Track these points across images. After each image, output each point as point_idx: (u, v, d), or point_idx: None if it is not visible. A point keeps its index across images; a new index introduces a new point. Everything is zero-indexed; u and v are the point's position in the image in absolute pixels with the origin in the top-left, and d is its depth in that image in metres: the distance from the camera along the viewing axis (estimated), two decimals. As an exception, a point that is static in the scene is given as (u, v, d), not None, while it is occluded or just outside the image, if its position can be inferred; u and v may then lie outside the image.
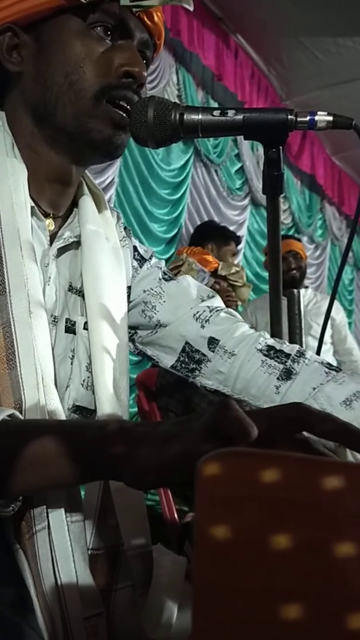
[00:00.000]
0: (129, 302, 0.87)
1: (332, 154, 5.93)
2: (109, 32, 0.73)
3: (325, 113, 0.72)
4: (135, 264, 0.90)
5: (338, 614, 0.27)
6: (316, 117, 0.71)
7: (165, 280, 0.91)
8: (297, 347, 0.88)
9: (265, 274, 4.20)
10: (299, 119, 0.71)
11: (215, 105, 4.04)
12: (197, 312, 0.89)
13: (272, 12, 3.77)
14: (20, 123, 0.75)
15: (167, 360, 0.90)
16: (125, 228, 0.91)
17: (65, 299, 0.76)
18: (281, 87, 4.78)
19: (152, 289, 0.90)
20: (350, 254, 6.51)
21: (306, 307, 3.03)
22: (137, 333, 0.91)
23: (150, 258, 0.92)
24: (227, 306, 0.95)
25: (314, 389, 0.82)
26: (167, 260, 3.30)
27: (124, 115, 0.73)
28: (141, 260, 0.91)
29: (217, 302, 0.92)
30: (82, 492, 0.68)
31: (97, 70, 0.71)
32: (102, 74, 0.71)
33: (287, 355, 0.86)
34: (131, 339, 0.90)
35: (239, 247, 4.08)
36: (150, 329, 0.90)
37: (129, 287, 0.88)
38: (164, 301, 0.89)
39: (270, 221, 0.85)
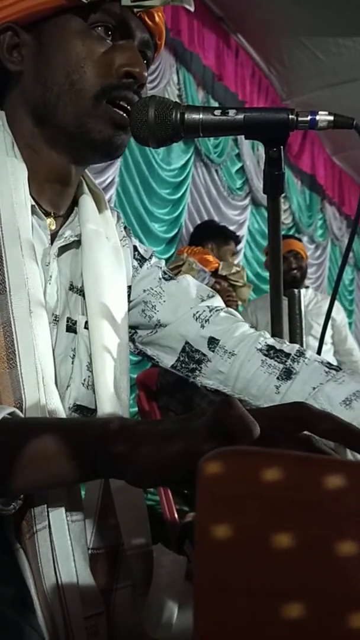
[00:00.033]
0: (129, 301, 0.87)
1: (333, 154, 5.93)
2: (109, 32, 0.73)
3: (326, 113, 0.72)
4: (136, 263, 0.90)
5: (339, 613, 0.27)
6: (317, 117, 0.71)
7: (165, 279, 0.91)
8: (297, 346, 0.88)
9: (266, 274, 4.20)
10: (300, 119, 0.71)
11: (216, 105, 4.04)
12: (197, 311, 0.89)
13: (272, 12, 3.77)
14: (21, 123, 0.75)
15: (167, 360, 0.90)
16: (125, 228, 0.91)
17: (66, 298, 0.76)
18: (282, 87, 4.78)
19: (152, 289, 0.90)
20: (351, 254, 6.50)
21: (307, 307, 3.03)
22: (137, 333, 0.91)
23: (150, 258, 0.92)
24: (228, 306, 0.95)
25: (314, 388, 0.81)
26: (167, 260, 3.30)
27: (125, 115, 0.73)
28: (141, 259, 0.91)
29: (217, 301, 0.92)
30: (83, 492, 0.68)
31: (97, 71, 0.71)
32: (102, 74, 0.71)
33: (287, 355, 0.86)
34: (131, 339, 0.90)
35: (239, 246, 4.08)
36: (150, 328, 0.90)
37: (129, 287, 0.88)
38: (164, 301, 0.89)
39: (271, 221, 0.85)
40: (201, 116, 0.71)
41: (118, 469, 0.51)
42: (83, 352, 0.75)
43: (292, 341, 1.04)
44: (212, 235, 2.71)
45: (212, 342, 0.88)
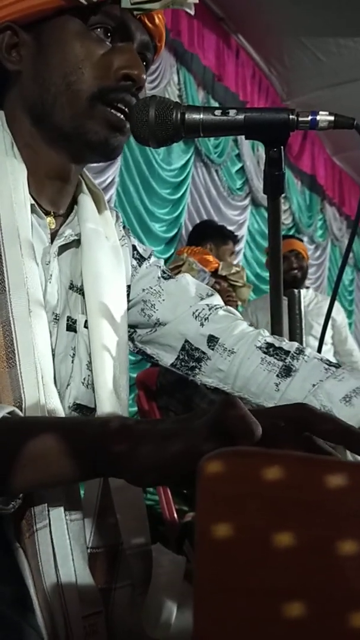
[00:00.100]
0: (128, 300, 0.87)
1: (333, 154, 5.93)
2: (109, 34, 0.72)
3: (327, 113, 0.72)
4: (135, 262, 0.90)
5: (340, 612, 0.27)
6: (318, 117, 0.71)
7: (164, 278, 0.91)
8: (296, 344, 0.88)
9: (266, 274, 4.20)
10: (300, 119, 0.71)
11: (216, 105, 4.04)
12: (196, 310, 0.89)
13: (273, 13, 3.77)
14: (20, 122, 0.75)
15: (167, 358, 0.90)
16: (124, 227, 0.91)
17: (66, 297, 0.76)
18: (282, 87, 4.78)
19: (151, 288, 0.90)
20: (351, 254, 6.50)
21: (307, 307, 3.03)
22: (136, 332, 0.91)
23: (149, 257, 0.93)
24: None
25: (314, 385, 0.82)
26: (167, 260, 3.30)
27: (122, 117, 0.73)
28: (140, 259, 0.91)
29: (216, 300, 0.92)
30: (82, 491, 0.68)
31: (95, 72, 0.71)
32: (100, 76, 0.71)
33: (287, 353, 0.86)
34: (130, 338, 0.90)
35: (238, 247, 4.09)
36: (149, 327, 0.90)
37: (129, 286, 0.88)
38: (163, 300, 0.89)
39: (271, 221, 0.85)
40: (202, 116, 0.71)
41: (118, 468, 0.51)
42: (83, 351, 0.75)
43: (292, 341, 1.04)
44: (210, 235, 2.71)
45: (212, 340, 0.88)
